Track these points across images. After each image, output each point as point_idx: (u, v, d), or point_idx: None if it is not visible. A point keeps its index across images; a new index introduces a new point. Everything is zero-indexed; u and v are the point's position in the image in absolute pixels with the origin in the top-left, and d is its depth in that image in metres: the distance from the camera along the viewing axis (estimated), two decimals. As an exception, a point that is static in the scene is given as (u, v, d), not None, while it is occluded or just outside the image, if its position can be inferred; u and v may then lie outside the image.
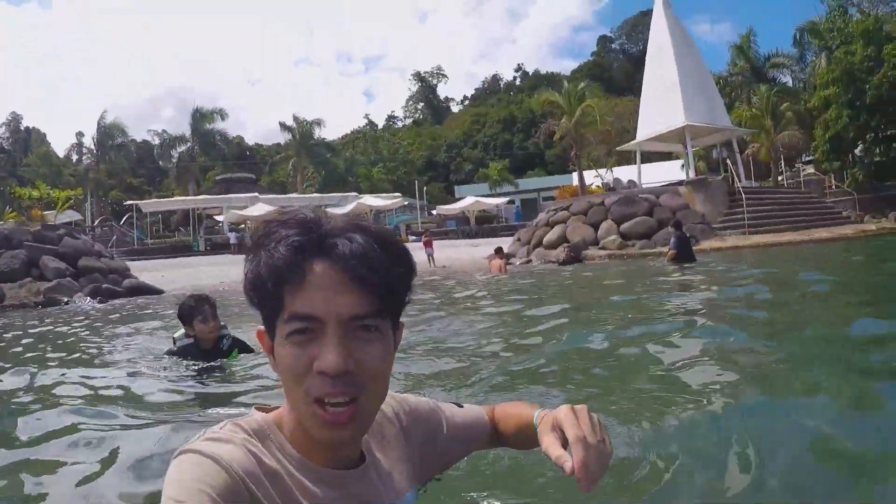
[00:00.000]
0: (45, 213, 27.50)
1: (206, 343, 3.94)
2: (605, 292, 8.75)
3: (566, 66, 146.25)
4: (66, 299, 13.96)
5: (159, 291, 16.53)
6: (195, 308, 3.91)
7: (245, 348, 4.11)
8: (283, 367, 0.96)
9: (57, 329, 8.50)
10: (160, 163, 66.89)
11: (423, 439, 1.25)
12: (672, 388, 2.60)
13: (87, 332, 7.74)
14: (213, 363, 3.88)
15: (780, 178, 34.41)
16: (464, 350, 4.28)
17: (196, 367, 3.83)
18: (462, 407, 1.37)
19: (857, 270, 10.03)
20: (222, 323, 4.13)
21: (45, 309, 13.01)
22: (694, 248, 13.09)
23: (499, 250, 15.09)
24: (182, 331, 4.11)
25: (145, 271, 19.58)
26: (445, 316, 6.55)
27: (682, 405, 2.25)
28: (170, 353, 4.11)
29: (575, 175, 35.95)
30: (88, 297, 14.01)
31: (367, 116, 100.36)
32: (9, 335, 8.11)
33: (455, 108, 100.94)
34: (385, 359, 0.98)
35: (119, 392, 3.57)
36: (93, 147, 56.41)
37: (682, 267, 11.20)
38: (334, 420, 0.94)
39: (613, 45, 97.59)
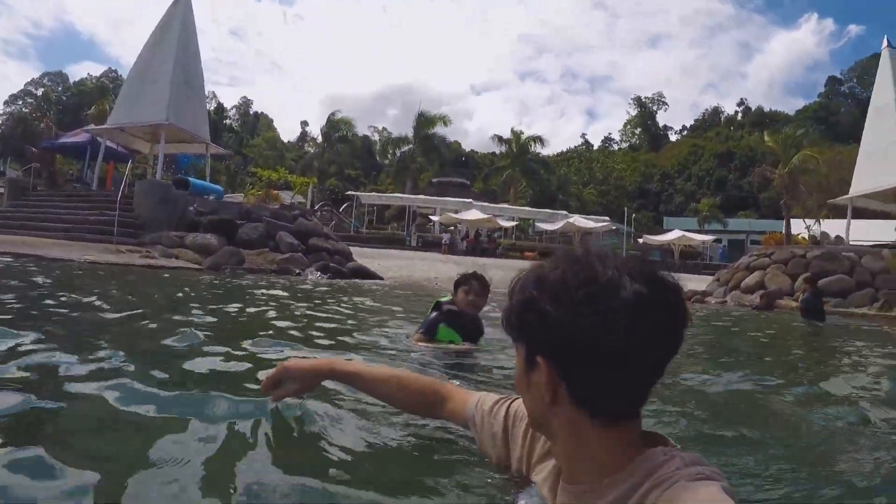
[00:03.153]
0: (280, 193, 29.78)
1: (464, 317, 4.14)
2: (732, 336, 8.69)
3: (793, 105, 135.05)
4: (297, 271, 14.89)
5: (380, 277, 17.01)
6: (468, 277, 4.19)
7: None
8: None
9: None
10: (377, 158, 70.95)
11: None
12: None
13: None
14: (466, 346, 4.06)
15: None
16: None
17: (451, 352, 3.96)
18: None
19: None
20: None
21: (278, 276, 13.71)
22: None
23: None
24: (448, 297, 4.32)
25: (362, 257, 20.16)
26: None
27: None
28: (436, 309, 4.21)
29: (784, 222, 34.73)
30: (319, 272, 14.72)
31: (584, 136, 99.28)
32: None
33: (673, 137, 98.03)
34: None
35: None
36: (318, 137, 61.06)
37: (811, 324, 11.07)
38: None
39: (842, 88, 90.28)
